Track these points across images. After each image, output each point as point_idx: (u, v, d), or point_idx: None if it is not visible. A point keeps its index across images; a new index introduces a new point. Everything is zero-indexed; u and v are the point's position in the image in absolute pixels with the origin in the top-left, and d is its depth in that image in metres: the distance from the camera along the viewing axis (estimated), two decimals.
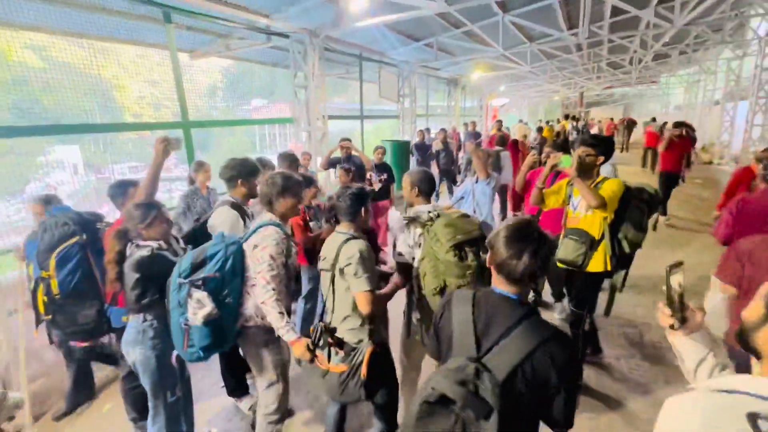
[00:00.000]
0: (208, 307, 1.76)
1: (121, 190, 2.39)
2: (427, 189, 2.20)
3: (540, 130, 11.59)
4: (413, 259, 2.07)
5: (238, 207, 2.38)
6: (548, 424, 1.14)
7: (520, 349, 1.08)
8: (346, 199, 1.96)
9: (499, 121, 8.76)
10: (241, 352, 2.27)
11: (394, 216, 6.03)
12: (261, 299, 1.83)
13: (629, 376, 2.88)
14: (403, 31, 6.74)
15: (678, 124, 6.40)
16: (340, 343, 1.76)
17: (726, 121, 12.86)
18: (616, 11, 6.38)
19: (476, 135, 9.20)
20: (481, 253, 1.87)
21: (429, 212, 2.06)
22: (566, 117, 16.70)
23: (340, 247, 1.87)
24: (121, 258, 1.98)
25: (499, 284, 1.20)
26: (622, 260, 2.62)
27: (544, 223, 3.34)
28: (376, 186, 5.15)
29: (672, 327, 1.07)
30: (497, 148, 7.03)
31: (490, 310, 1.18)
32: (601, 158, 2.51)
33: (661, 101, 27.03)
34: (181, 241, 2.25)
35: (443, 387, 1.05)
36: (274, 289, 1.83)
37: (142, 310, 1.96)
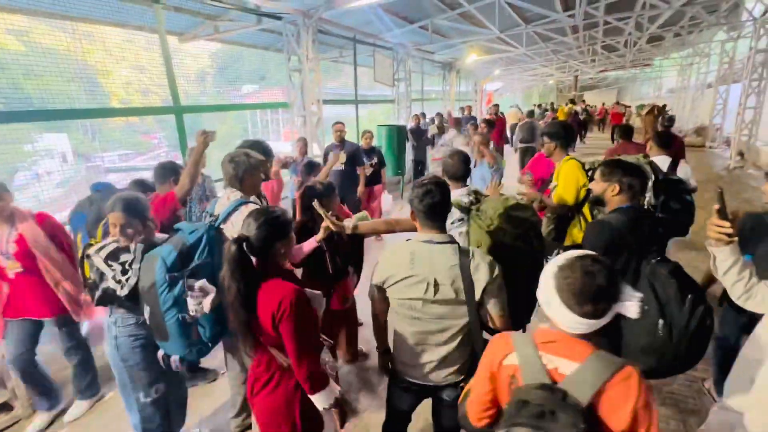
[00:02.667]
0: (213, 291, 1.72)
1: (164, 173, 2.73)
2: (454, 172, 2.14)
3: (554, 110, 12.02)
4: None
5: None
6: None
7: None
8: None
9: (496, 105, 8.71)
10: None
11: (388, 199, 6.01)
12: None
13: None
14: (398, 13, 6.60)
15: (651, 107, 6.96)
16: None
17: (719, 103, 12.90)
18: None
19: (473, 119, 9.13)
20: (540, 235, 1.92)
21: (468, 195, 2.05)
22: (572, 101, 16.74)
23: (465, 260, 1.45)
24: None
25: None
26: None
27: None
28: (367, 170, 5.12)
29: (729, 236, 1.32)
30: (527, 119, 8.26)
31: None
32: (555, 143, 2.72)
33: (654, 84, 27.03)
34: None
35: None
36: None
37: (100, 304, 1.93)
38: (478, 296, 1.45)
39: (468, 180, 2.92)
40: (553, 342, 1.05)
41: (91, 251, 1.84)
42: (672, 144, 3.37)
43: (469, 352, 1.58)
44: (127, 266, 1.82)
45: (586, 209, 2.56)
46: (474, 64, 11.35)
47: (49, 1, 3.61)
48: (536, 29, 8.00)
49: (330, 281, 2.40)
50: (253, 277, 1.44)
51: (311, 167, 3.55)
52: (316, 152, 5.86)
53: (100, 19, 4.13)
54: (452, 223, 2.04)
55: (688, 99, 17.16)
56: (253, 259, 1.49)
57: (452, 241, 1.53)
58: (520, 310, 2.01)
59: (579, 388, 0.95)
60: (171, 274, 1.70)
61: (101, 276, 1.82)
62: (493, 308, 1.50)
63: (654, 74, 24.24)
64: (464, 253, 1.47)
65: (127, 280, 1.81)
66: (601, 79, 24.83)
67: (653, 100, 22.13)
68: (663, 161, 3.05)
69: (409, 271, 1.48)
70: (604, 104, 21.87)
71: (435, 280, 1.45)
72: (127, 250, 1.84)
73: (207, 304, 1.71)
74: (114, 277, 1.80)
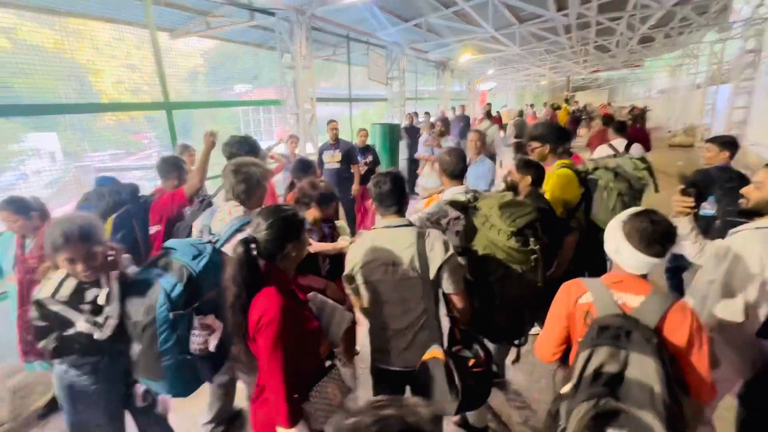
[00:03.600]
0: (219, 328, 1.54)
1: (166, 168, 2.67)
2: (452, 170, 2.09)
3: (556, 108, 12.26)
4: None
5: None
6: None
7: None
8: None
9: (489, 104, 8.77)
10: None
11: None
12: None
13: None
14: (392, 11, 6.57)
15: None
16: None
17: (708, 104, 13.07)
18: None
19: (465, 118, 9.12)
20: (538, 234, 1.82)
21: (466, 193, 1.99)
22: (566, 101, 16.52)
23: (421, 241, 1.53)
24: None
25: None
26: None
27: None
28: (362, 169, 5.09)
29: (691, 208, 1.73)
30: (518, 117, 9.49)
31: None
32: (548, 146, 2.55)
33: (645, 85, 27.35)
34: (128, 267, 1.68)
35: None
36: None
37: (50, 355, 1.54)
38: (433, 274, 1.51)
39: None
40: (620, 281, 1.31)
41: (41, 297, 1.45)
42: (625, 130, 4.33)
43: (434, 338, 1.61)
44: (101, 302, 1.50)
45: (580, 214, 2.45)
46: (468, 63, 11.36)
47: None
48: (530, 28, 8.03)
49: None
50: (257, 283, 1.30)
51: (305, 166, 2.99)
52: (309, 151, 5.81)
53: (89, 14, 4.04)
54: (447, 222, 2.00)
55: (678, 99, 17.37)
56: (261, 262, 1.35)
57: (410, 224, 1.62)
58: (517, 313, 1.93)
59: (646, 314, 1.22)
60: (176, 312, 1.45)
61: (63, 323, 1.46)
62: (449, 286, 1.56)
63: (645, 75, 24.53)
64: (420, 234, 1.55)
65: (105, 320, 1.49)
66: (592, 79, 25.08)
67: (644, 101, 22.42)
68: (620, 144, 4.01)
69: (371, 255, 1.56)
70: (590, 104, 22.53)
71: (393, 261, 1.53)
72: (95, 284, 1.51)
73: (212, 342, 1.53)
74: (87, 320, 1.47)
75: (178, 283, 1.47)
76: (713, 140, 2.90)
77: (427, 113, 8.73)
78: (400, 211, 1.64)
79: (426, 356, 1.54)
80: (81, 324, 1.46)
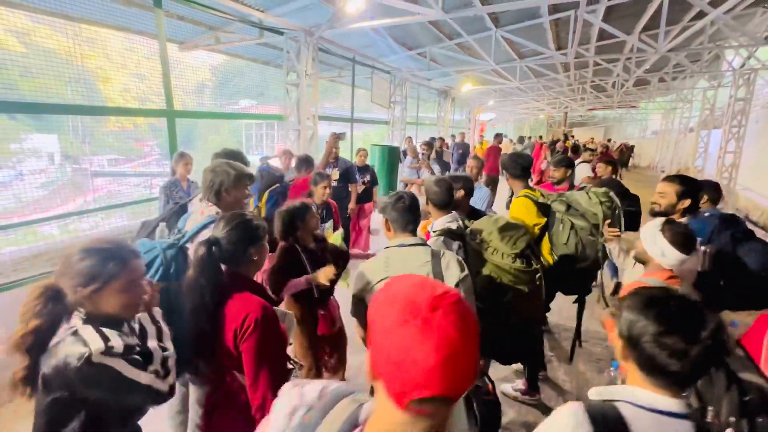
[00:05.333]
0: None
1: (301, 164, 3.90)
2: (438, 200, 2.03)
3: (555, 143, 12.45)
4: None
5: None
6: None
7: None
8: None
9: (481, 136, 8.93)
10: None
11: (378, 218, 6.01)
12: None
13: None
14: (398, 39, 6.78)
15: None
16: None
17: (700, 147, 13.42)
18: (602, 35, 6.60)
19: (464, 146, 9.30)
20: (536, 252, 1.88)
21: (456, 221, 2.00)
22: (565, 137, 17.00)
23: (437, 260, 1.51)
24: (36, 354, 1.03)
25: None
26: (565, 277, 2.53)
27: None
28: (360, 188, 5.11)
29: (618, 236, 2.24)
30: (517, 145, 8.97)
31: None
32: (507, 175, 2.73)
33: (640, 126, 28.10)
34: (159, 315, 1.31)
35: None
36: None
37: None
38: None
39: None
40: (674, 277, 1.65)
41: (93, 351, 1.00)
42: (578, 152, 5.87)
43: None
44: (151, 346, 1.19)
45: (545, 248, 2.48)
46: (469, 93, 11.66)
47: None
48: (530, 64, 8.30)
49: (315, 304, 2.28)
50: (221, 285, 1.29)
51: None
52: None
53: (101, 22, 4.13)
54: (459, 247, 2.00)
55: (671, 141, 17.82)
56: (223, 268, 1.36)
57: (424, 243, 1.60)
58: (529, 333, 1.95)
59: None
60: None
61: (123, 385, 1.05)
62: None
63: (640, 116, 25.24)
64: (435, 253, 1.53)
65: (164, 363, 1.18)
66: (589, 117, 25.75)
67: (638, 141, 23.02)
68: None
69: (384, 274, 1.49)
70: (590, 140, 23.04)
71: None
72: (122, 325, 1.16)
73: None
74: (151, 371, 1.12)
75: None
76: (601, 161, 4.43)
77: (432, 138, 8.91)
78: (414, 231, 1.62)
79: None
80: (144, 377, 1.09)
